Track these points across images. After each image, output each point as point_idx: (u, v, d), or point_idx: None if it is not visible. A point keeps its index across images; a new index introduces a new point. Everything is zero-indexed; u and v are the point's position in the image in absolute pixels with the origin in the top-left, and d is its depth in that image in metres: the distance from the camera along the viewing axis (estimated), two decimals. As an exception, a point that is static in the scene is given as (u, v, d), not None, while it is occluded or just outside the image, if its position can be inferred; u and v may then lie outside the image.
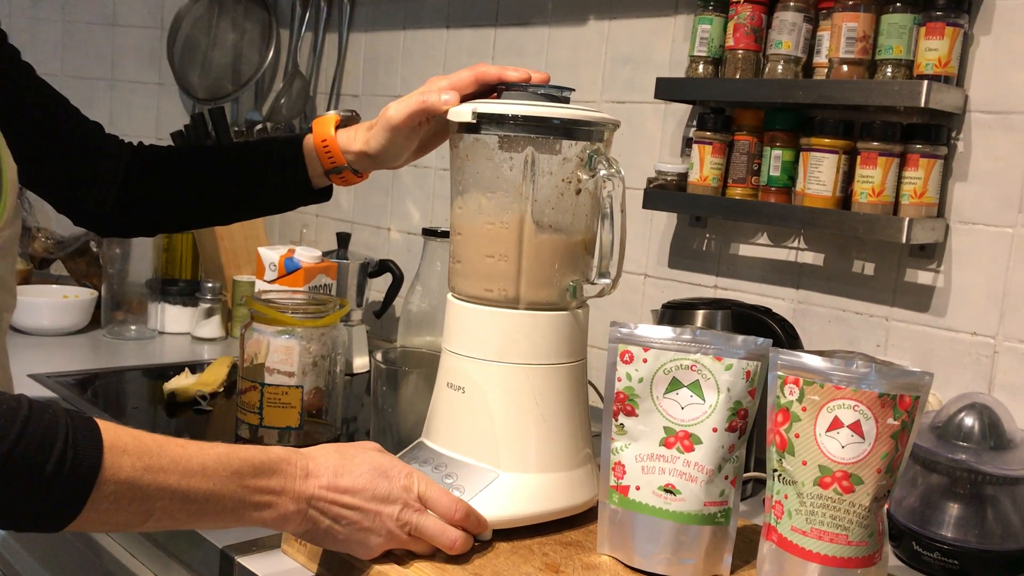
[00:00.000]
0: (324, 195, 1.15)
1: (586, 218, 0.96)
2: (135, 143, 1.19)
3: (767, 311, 1.22)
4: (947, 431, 1.04)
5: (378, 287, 1.83)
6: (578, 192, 0.95)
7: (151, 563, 1.08)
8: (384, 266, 1.74)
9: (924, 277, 1.24)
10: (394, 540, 0.84)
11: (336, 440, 1.19)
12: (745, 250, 1.42)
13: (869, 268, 1.29)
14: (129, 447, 0.63)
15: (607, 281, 0.95)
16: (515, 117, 0.92)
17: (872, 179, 1.18)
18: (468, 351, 0.97)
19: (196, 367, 1.54)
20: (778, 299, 1.37)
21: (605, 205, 0.94)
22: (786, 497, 0.85)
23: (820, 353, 0.87)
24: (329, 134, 1.08)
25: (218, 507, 0.71)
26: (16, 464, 0.57)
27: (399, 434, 1.12)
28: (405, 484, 0.85)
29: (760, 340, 0.88)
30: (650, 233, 1.52)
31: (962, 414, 1.04)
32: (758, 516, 1.11)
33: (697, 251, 1.47)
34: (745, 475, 1.06)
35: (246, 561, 0.92)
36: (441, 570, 0.85)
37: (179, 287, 1.86)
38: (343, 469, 0.82)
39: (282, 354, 1.15)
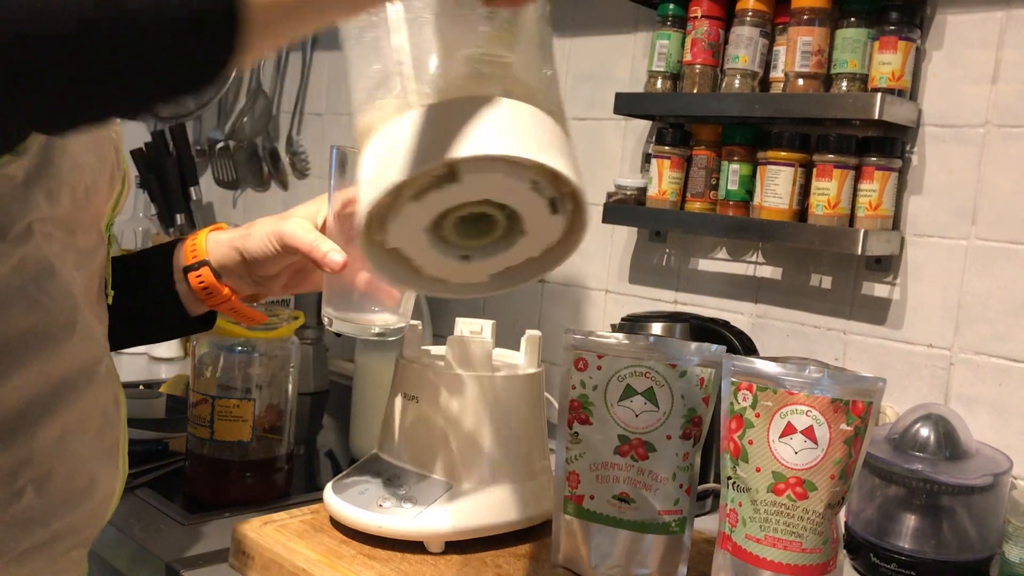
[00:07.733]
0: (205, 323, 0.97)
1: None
2: None
3: (725, 324, 1.22)
4: (903, 442, 1.04)
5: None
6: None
7: (97, 581, 1.05)
8: (345, 283, 1.72)
9: (880, 290, 1.24)
10: None
11: (290, 457, 1.17)
12: (704, 265, 1.42)
13: (826, 282, 1.29)
14: None
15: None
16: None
17: (828, 191, 1.19)
18: (422, 359, 0.96)
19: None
20: (737, 313, 1.37)
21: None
22: (740, 505, 0.84)
23: (773, 359, 0.86)
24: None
25: None
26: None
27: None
28: None
29: (714, 347, 0.88)
30: (610, 249, 1.52)
31: (918, 425, 1.04)
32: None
33: (657, 266, 1.47)
34: (701, 487, 1.06)
35: (192, 575, 0.90)
36: (391, 582, 0.84)
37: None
38: None
39: (233, 367, 1.13)
